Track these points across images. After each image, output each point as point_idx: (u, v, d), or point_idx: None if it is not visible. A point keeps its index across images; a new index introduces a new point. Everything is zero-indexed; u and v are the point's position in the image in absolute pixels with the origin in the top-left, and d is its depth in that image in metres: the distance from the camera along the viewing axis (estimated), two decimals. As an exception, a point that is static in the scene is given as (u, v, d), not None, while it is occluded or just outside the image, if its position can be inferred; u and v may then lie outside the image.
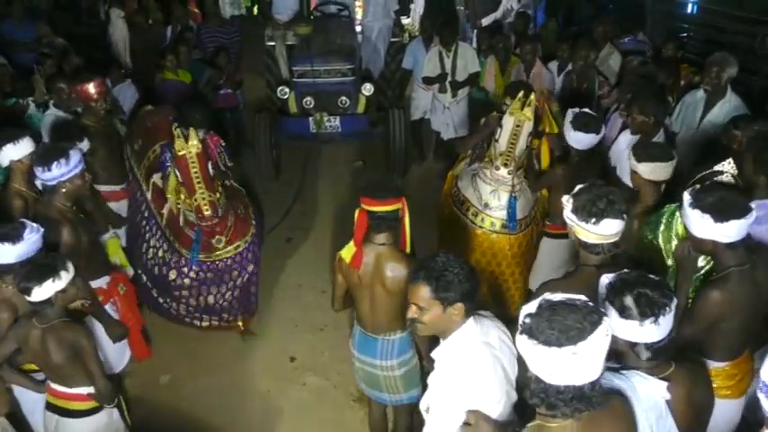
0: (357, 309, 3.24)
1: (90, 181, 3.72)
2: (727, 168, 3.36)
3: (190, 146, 3.90)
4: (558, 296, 1.75)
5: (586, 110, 4.04)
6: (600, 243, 2.49)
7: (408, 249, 3.12)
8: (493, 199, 4.24)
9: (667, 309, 1.99)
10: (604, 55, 5.93)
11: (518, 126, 4.05)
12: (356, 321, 3.30)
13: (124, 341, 3.85)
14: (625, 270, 2.15)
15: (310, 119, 6.97)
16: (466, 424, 2.21)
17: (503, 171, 4.07)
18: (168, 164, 4.25)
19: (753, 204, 3.02)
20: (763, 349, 2.82)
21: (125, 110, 6.39)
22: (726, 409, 2.67)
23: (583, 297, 1.76)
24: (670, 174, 3.25)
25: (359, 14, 8.11)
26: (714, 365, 2.68)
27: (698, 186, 2.68)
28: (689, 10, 8.66)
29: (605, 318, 1.71)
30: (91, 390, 2.96)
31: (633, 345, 2.05)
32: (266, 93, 7.86)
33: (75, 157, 3.46)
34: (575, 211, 2.48)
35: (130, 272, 4.42)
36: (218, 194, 4.12)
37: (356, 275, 3.08)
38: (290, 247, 5.89)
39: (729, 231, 2.42)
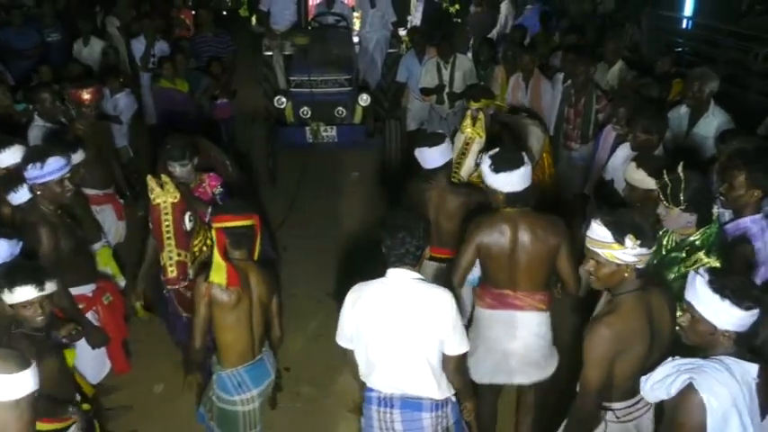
0: None
1: (72, 188, 3.54)
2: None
3: (166, 193, 3.36)
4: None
5: (439, 131, 4.02)
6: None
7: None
8: None
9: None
10: (616, 71, 5.96)
11: (467, 144, 4.04)
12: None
13: (104, 354, 3.80)
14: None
15: (307, 128, 6.99)
16: None
17: None
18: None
19: (747, 220, 3.10)
20: None
21: (123, 119, 6.41)
22: None
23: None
24: None
25: (357, 25, 8.15)
26: None
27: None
28: (684, 25, 8.76)
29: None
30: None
31: (720, 331, 2.16)
32: (263, 102, 7.88)
33: (53, 164, 3.34)
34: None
35: (122, 282, 4.35)
36: (195, 254, 3.55)
37: None
38: (285, 257, 5.88)
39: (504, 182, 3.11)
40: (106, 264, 4.23)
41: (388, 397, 2.81)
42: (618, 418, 2.56)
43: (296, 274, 5.60)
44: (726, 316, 2.13)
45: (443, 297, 2.70)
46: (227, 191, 4.18)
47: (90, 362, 3.69)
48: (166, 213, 3.38)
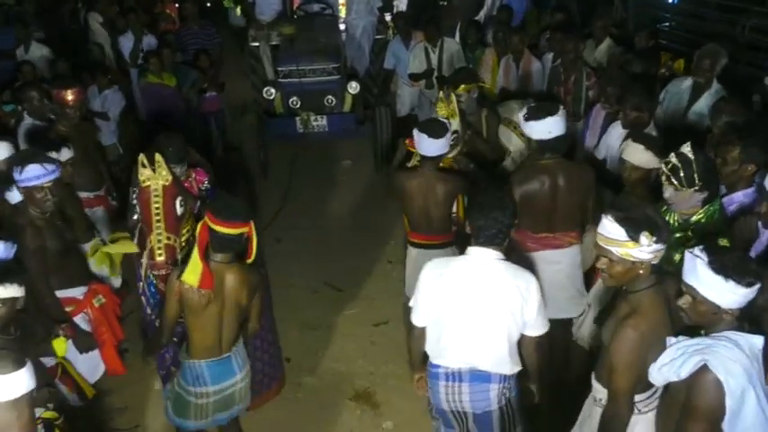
0: None
1: (52, 199, 3.43)
2: None
3: (158, 176, 3.29)
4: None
5: (443, 119, 3.96)
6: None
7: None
8: None
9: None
10: (604, 48, 5.94)
11: None
12: None
13: (98, 356, 3.76)
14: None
15: (297, 119, 6.97)
16: None
17: None
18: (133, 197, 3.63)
19: (740, 195, 3.11)
20: None
21: (111, 116, 6.35)
22: None
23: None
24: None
25: (342, 12, 8.08)
26: None
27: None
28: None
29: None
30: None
31: (723, 309, 2.14)
32: (251, 94, 7.83)
33: (32, 171, 3.29)
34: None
35: (117, 282, 4.27)
36: (182, 240, 3.46)
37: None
38: (279, 248, 5.87)
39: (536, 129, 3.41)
40: (102, 263, 4.16)
41: (456, 372, 2.81)
42: (639, 410, 2.46)
43: (291, 265, 5.60)
44: (730, 295, 2.10)
45: (530, 280, 2.72)
46: (215, 187, 4.10)
47: (83, 364, 3.66)
48: (156, 196, 3.29)
